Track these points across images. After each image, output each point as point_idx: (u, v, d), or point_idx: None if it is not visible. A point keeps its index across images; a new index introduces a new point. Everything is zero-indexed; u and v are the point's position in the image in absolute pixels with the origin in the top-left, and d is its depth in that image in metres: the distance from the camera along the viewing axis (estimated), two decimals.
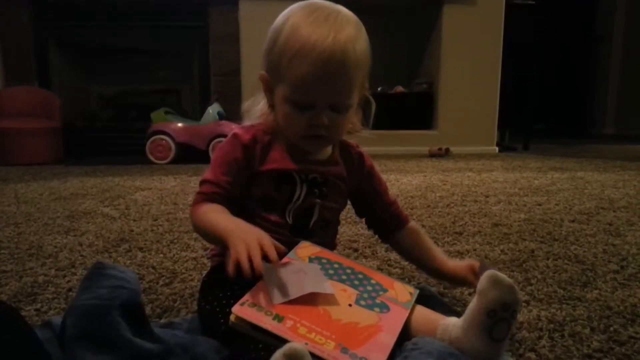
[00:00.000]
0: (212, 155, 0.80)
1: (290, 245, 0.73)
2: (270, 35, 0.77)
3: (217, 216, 0.73)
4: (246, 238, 0.65)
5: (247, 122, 0.83)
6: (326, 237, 0.84)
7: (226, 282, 0.70)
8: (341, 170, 0.84)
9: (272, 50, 0.75)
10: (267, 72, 0.78)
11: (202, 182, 0.79)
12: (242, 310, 0.61)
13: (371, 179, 0.89)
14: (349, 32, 0.72)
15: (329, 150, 0.84)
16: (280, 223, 0.79)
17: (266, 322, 0.59)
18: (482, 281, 0.60)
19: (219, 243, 0.72)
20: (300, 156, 0.80)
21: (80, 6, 3.43)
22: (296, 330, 0.59)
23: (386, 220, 0.90)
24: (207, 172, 0.80)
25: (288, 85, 0.73)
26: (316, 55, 0.70)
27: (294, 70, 0.71)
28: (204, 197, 0.77)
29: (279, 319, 0.60)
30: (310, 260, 0.73)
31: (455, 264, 0.84)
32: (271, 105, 0.81)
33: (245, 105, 0.85)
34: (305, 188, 0.79)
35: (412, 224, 0.90)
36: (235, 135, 0.80)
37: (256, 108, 0.84)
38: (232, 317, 0.61)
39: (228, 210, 0.75)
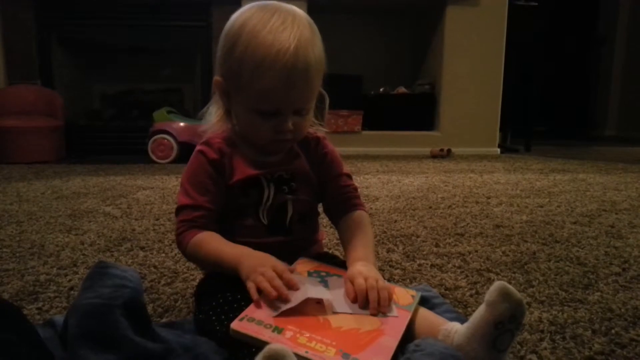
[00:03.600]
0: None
1: (271, 248, 0.74)
2: (225, 41, 0.76)
3: (219, 246, 0.74)
4: (259, 267, 0.68)
5: (205, 127, 0.83)
6: (306, 232, 0.84)
7: (217, 290, 0.71)
8: (303, 162, 0.84)
9: (229, 58, 0.75)
10: (224, 78, 0.78)
11: (181, 209, 0.78)
12: (241, 325, 0.61)
13: (324, 160, 0.86)
14: (307, 36, 0.73)
15: None
16: (256, 226, 0.79)
17: (265, 335, 0.60)
18: (492, 293, 0.59)
19: (224, 271, 0.72)
20: (261, 160, 0.81)
21: (83, 5, 3.44)
22: (296, 340, 0.59)
23: (336, 204, 0.86)
24: (181, 197, 0.79)
25: (251, 95, 0.74)
26: (280, 67, 0.70)
27: (258, 82, 0.72)
28: (190, 224, 0.77)
29: (278, 330, 0.61)
30: (310, 274, 0.74)
31: (350, 273, 0.73)
32: (228, 110, 0.81)
33: (203, 111, 0.86)
34: (272, 187, 0.80)
35: (359, 213, 0.85)
36: (201, 152, 0.80)
37: (212, 113, 0.84)
38: (231, 332, 0.61)
39: (220, 234, 0.77)
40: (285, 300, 0.64)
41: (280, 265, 0.68)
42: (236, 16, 0.76)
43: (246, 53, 0.72)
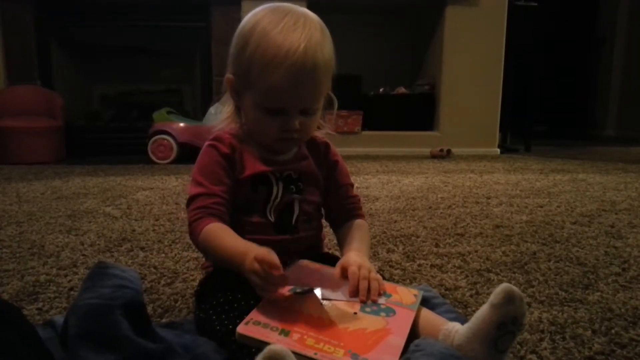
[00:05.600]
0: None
1: (276, 246, 0.72)
2: (238, 39, 0.78)
3: (229, 241, 0.71)
4: (248, 264, 0.64)
5: (212, 124, 0.84)
6: (310, 230, 0.85)
7: (218, 289, 0.72)
8: (311, 164, 0.85)
9: (241, 55, 0.76)
10: (235, 76, 0.79)
11: (194, 197, 0.77)
12: (247, 328, 0.61)
13: (335, 168, 0.89)
14: (317, 38, 0.74)
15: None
16: (263, 223, 0.80)
17: (272, 337, 0.59)
18: (498, 295, 0.59)
19: (228, 266, 0.70)
20: (270, 158, 0.82)
21: (83, 6, 3.43)
22: (304, 342, 0.59)
23: (339, 212, 0.89)
24: (193, 187, 0.78)
25: (259, 92, 0.75)
26: (288, 66, 0.71)
27: (266, 79, 0.73)
28: (206, 211, 0.75)
29: (285, 333, 0.60)
30: None
31: (344, 260, 0.76)
32: (237, 107, 0.83)
33: (212, 107, 0.87)
34: (281, 185, 0.81)
35: (360, 220, 0.88)
36: (213, 146, 0.80)
37: (222, 109, 0.85)
38: (237, 336, 0.61)
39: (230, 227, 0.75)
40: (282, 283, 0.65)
41: (262, 253, 0.64)
42: (249, 16, 0.78)
43: (257, 51, 0.73)
